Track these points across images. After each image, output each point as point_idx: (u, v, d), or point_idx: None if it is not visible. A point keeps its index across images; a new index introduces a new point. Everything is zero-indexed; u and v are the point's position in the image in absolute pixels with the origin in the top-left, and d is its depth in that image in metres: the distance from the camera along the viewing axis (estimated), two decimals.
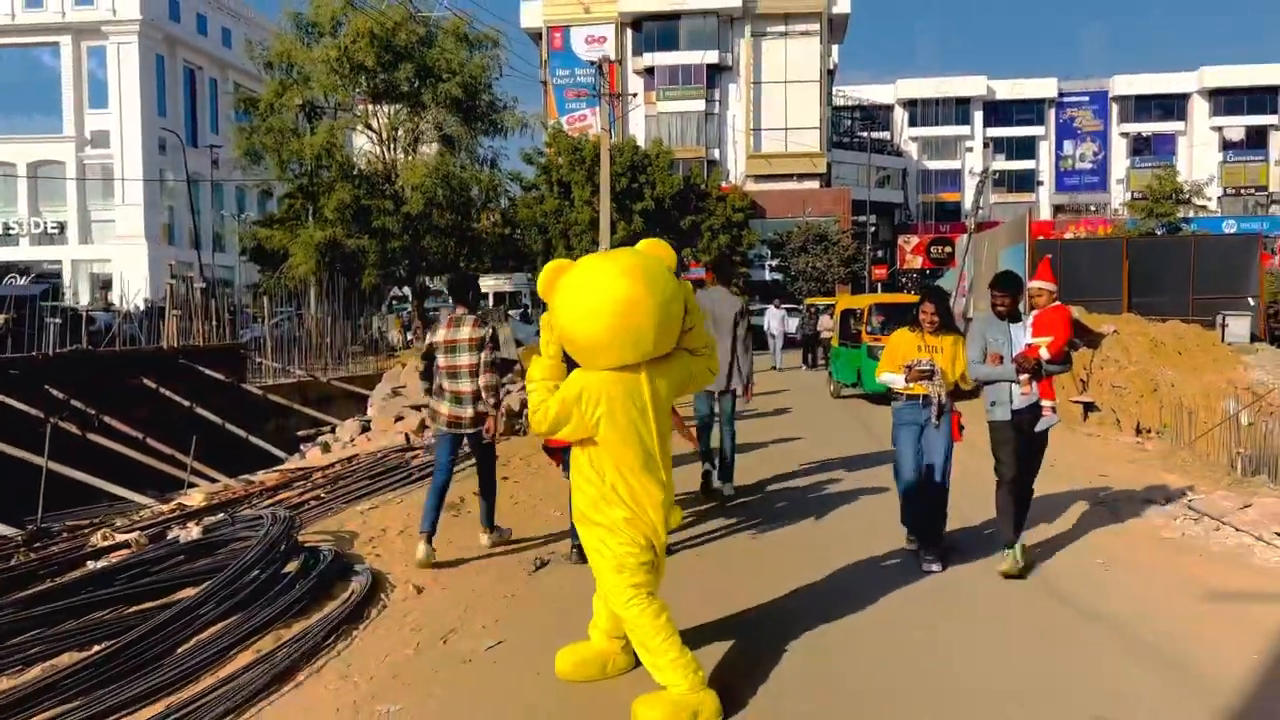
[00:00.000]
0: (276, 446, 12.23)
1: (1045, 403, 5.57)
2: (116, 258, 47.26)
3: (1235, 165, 67.93)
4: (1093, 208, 65.28)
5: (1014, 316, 5.68)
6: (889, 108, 70.37)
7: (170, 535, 6.59)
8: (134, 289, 25.46)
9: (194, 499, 8.36)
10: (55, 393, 10.33)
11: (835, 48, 56.76)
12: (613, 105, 28.12)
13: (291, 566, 5.50)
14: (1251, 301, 21.39)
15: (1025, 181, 70.46)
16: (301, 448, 13.18)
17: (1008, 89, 70.08)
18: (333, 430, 14.03)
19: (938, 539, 5.95)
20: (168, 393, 11.80)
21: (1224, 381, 12.79)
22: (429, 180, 25.07)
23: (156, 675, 4.12)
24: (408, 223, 25.75)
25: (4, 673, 4.18)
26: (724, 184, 46.53)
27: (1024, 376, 5.46)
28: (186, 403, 11.88)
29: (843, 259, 45.43)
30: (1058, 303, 5.65)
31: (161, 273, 35.42)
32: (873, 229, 53.03)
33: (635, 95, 49.02)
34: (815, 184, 51.83)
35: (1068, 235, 45.47)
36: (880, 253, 55.70)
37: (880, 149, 63.25)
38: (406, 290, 32.41)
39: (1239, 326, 19.40)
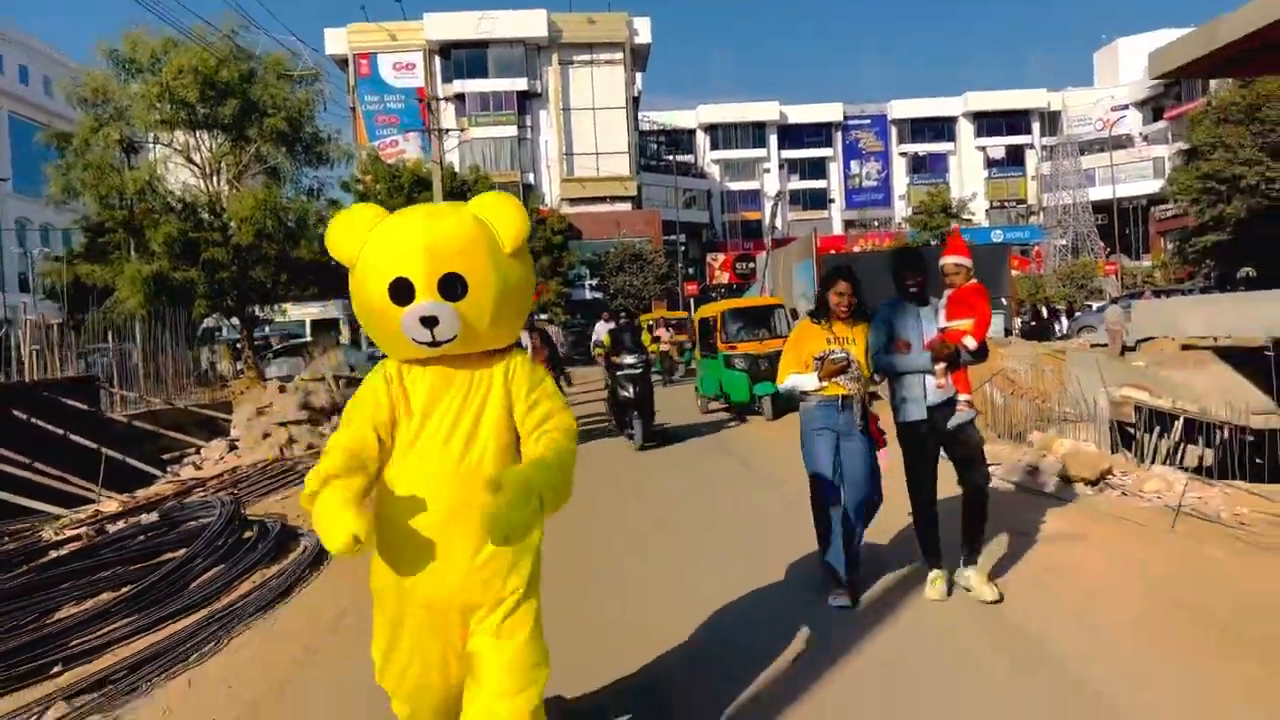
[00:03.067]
0: (147, 468, 13.06)
1: (961, 397, 4.87)
2: None
3: (999, 180, 75.54)
4: (877, 223, 71.07)
5: (922, 300, 4.97)
6: (691, 132, 74.19)
7: (114, 528, 7.76)
8: None
9: (109, 506, 9.37)
10: None
11: (639, 75, 59.80)
12: (435, 138, 29.48)
13: (248, 535, 6.89)
14: (1004, 302, 25.10)
15: (818, 199, 75.85)
16: (171, 468, 13.99)
17: (799, 113, 75.30)
18: (197, 451, 14.89)
19: (856, 568, 5.11)
20: (39, 422, 12.45)
21: (986, 370, 15.59)
22: (258, 212, 25.61)
23: (183, 600, 5.50)
24: (237, 254, 26.17)
25: (63, 605, 5.45)
26: (541, 207, 48.39)
27: (940, 366, 4.75)
28: (60, 430, 12.56)
29: (657, 276, 48.21)
30: (974, 281, 4.93)
31: None
32: (683, 248, 56.15)
33: (464, 130, 50.17)
34: (627, 206, 54.52)
35: (856, 248, 49.86)
36: (691, 270, 58.94)
37: (685, 171, 66.75)
38: (216, 320, 32.20)
39: (993, 323, 22.90)
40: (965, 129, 75.43)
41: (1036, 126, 74.59)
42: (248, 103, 25.56)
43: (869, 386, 5.16)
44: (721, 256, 62.18)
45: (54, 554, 7.19)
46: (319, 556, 6.52)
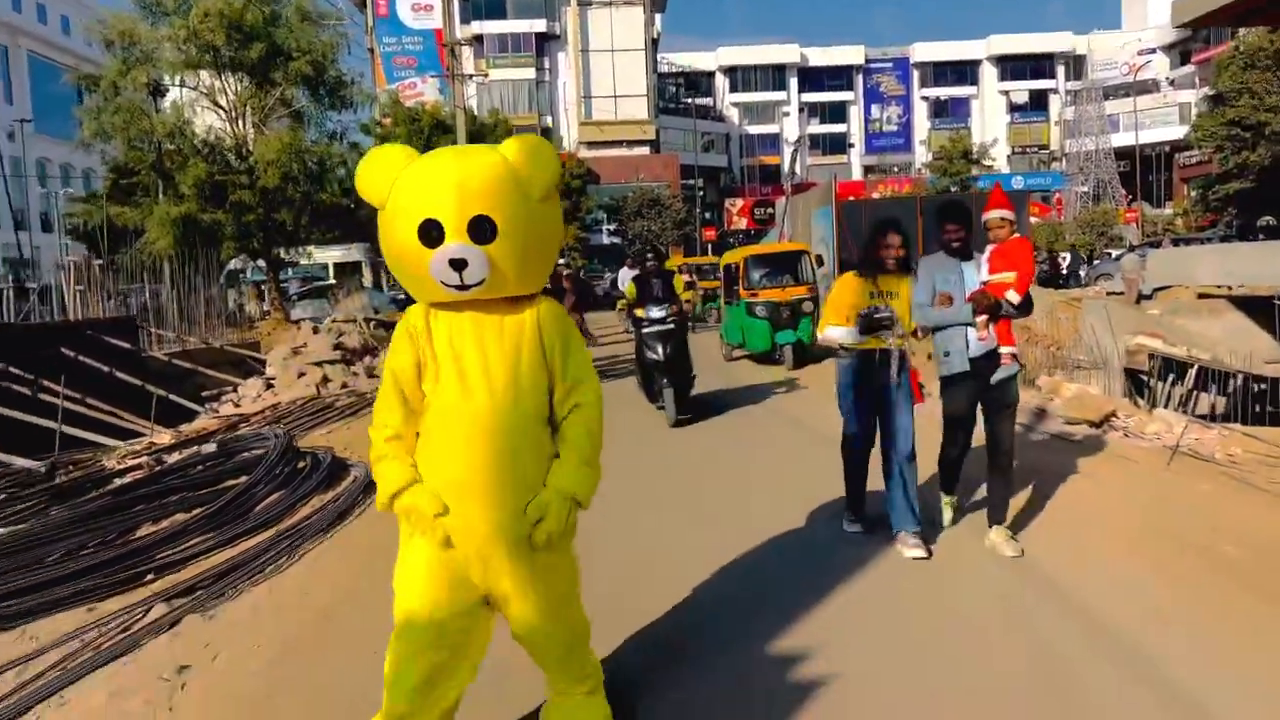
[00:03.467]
0: (189, 404, 13.63)
1: (1004, 349, 4.90)
2: None
3: (1021, 126, 74.69)
4: (897, 168, 70.58)
5: (965, 254, 5.00)
6: (710, 74, 73.54)
7: (171, 459, 8.28)
8: None
9: (162, 439, 9.91)
10: None
11: (658, 16, 59.23)
12: (456, 84, 29.62)
13: (301, 465, 7.38)
14: None
15: (838, 144, 75.23)
16: (209, 405, 14.55)
17: (820, 56, 74.47)
18: (234, 389, 15.44)
19: (918, 519, 5.06)
20: (85, 359, 13.00)
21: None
22: (284, 155, 25.93)
23: (249, 522, 6.01)
24: (263, 196, 26.56)
25: (141, 525, 5.97)
26: (560, 151, 48.41)
27: (982, 318, 4.82)
28: (105, 368, 13.11)
29: (675, 222, 48.31)
30: (1018, 234, 4.99)
31: None
32: (701, 193, 56.12)
33: (486, 76, 50.01)
34: (645, 150, 54.39)
35: (875, 194, 49.73)
36: (709, 215, 58.93)
37: (704, 115, 66.37)
38: (242, 263, 32.50)
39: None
40: (989, 73, 74.45)
41: (1061, 70, 73.49)
42: (273, 46, 25.77)
43: (909, 340, 5.15)
44: (740, 202, 62.09)
45: (118, 481, 7.73)
46: (369, 485, 7.02)
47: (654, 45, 58.08)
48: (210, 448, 8.04)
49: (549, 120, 55.67)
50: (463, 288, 2.62)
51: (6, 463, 8.69)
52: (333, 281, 34.13)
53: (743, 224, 58.91)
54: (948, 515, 5.39)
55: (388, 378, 2.79)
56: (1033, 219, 36.15)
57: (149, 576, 5.02)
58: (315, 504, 6.48)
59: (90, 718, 3.39)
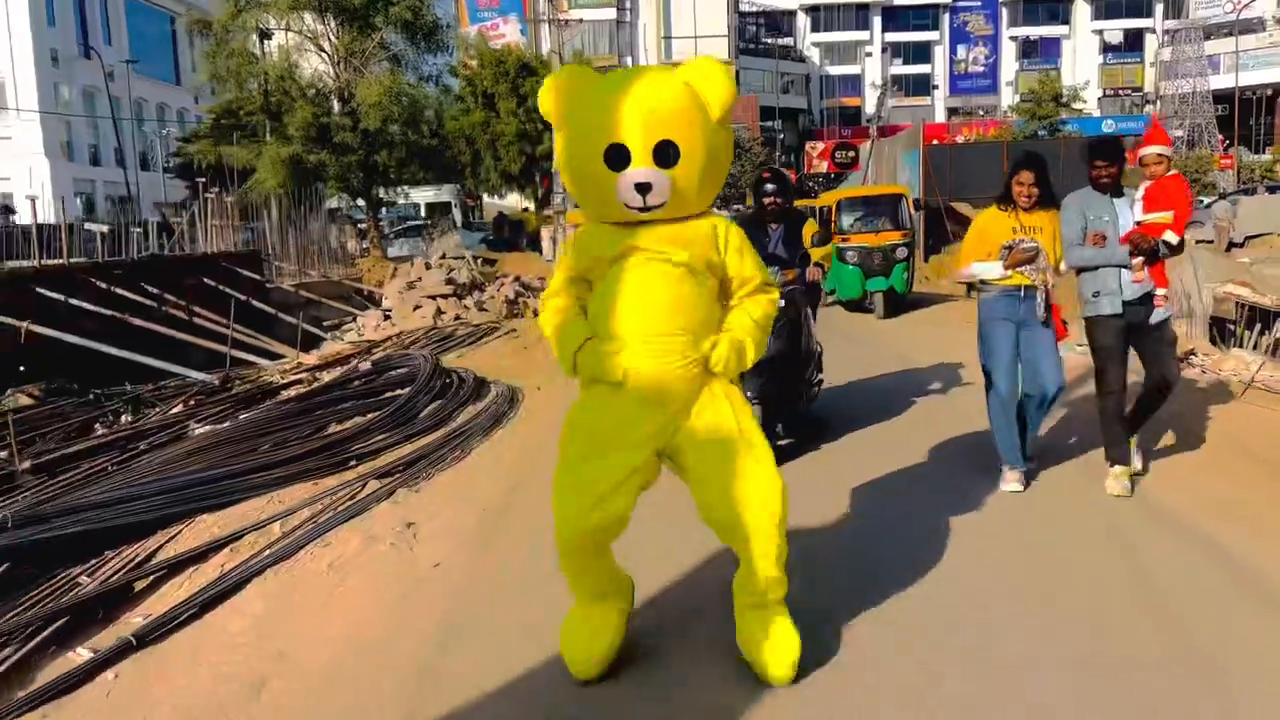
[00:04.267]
0: (317, 331, 14.83)
1: (1159, 291, 4.76)
2: (15, 176, 45.17)
3: (1113, 67, 72.18)
4: (983, 111, 69.06)
5: (1116, 190, 4.82)
6: (791, 13, 72.42)
7: (327, 377, 9.34)
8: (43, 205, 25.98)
9: (309, 359, 11.03)
10: (149, 288, 12.73)
11: None
12: (551, 28, 30.18)
13: (449, 381, 8.35)
14: None
15: (921, 85, 73.66)
16: (332, 333, 15.73)
17: None
18: (354, 319, 16.62)
19: (1028, 456, 5.13)
20: (225, 289, 14.23)
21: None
22: (384, 98, 26.91)
23: (419, 425, 6.97)
24: (364, 138, 27.65)
25: (328, 425, 6.99)
26: None
27: (1138, 260, 4.64)
28: (243, 297, 14.33)
29: (755, 164, 48.39)
30: (1174, 172, 4.77)
31: (64, 189, 35.59)
32: (780, 135, 55.83)
33: (580, 21, 50.28)
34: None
35: (959, 138, 49.02)
36: (788, 159, 58.63)
37: (785, 55, 65.66)
38: (341, 201, 33.43)
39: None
40: (1081, 11, 71.98)
41: (1159, 9, 70.71)
42: None
43: (1053, 276, 4.95)
44: (820, 145, 61.52)
45: (284, 395, 8.81)
46: (513, 398, 7.96)
47: None
48: (365, 366, 9.07)
49: (629, 62, 55.78)
50: (645, 209, 2.77)
51: (184, 375, 9.87)
52: (426, 220, 35.33)
53: (823, 167, 58.41)
54: (1118, 487, 4.83)
55: (562, 271, 3.03)
56: (1128, 166, 35.42)
57: (353, 463, 6.01)
58: (470, 412, 7.43)
59: (350, 554, 4.33)
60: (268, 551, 4.37)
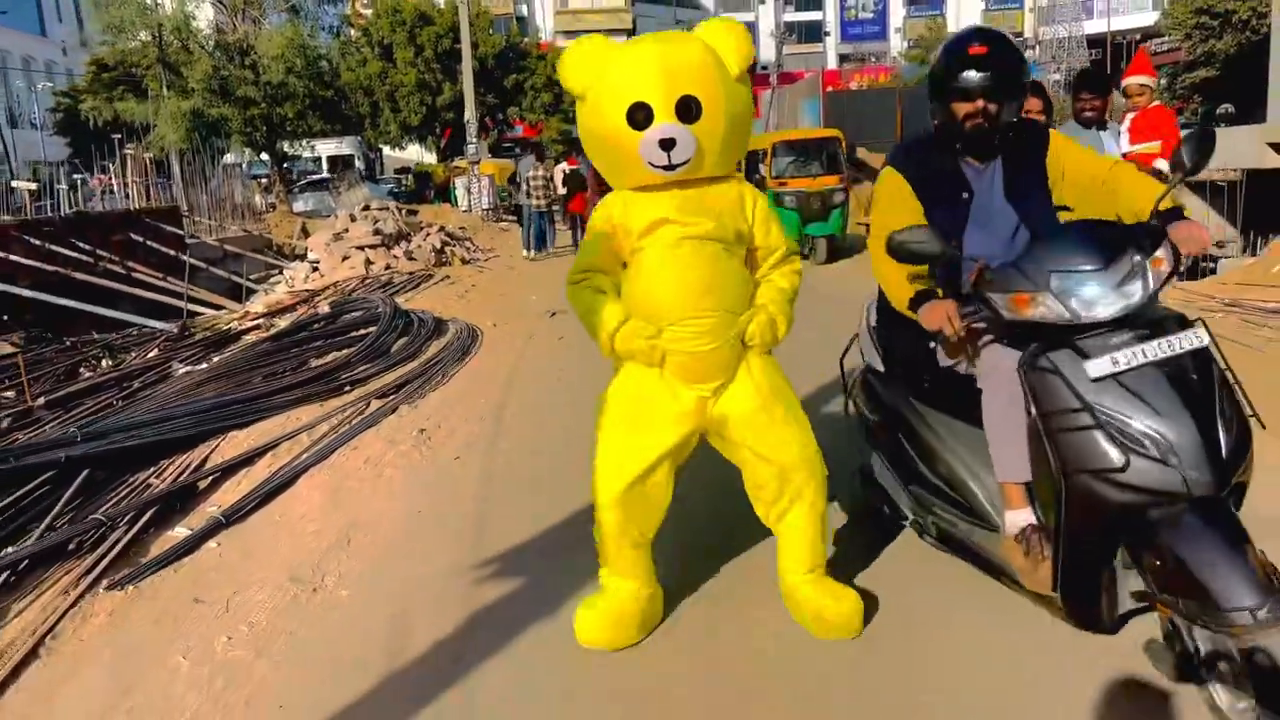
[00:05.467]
0: (249, 284, 15.12)
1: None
2: None
3: (995, 13, 74.48)
4: (874, 57, 70.75)
5: (1101, 124, 4.74)
6: None
7: (282, 323, 9.86)
8: None
9: (256, 307, 11.47)
10: (82, 244, 12.90)
11: None
12: None
13: (409, 322, 9.00)
14: None
15: (813, 32, 74.78)
16: (263, 286, 16.00)
17: None
18: (280, 272, 16.90)
19: None
20: (154, 244, 14.42)
21: None
22: (287, 50, 26.66)
23: (394, 358, 7.65)
24: (267, 91, 27.36)
25: (308, 360, 7.61)
26: (543, 41, 48.59)
27: None
28: (172, 252, 14.53)
29: None
30: (1158, 103, 4.54)
31: None
32: None
33: None
34: (623, 38, 53.97)
35: (852, 84, 50.41)
36: None
37: (680, 2, 65.93)
38: (243, 156, 32.92)
39: None
40: None
41: None
42: None
43: None
44: None
45: (248, 339, 9.33)
46: (473, 334, 8.68)
47: None
48: (325, 309, 9.63)
49: (523, 8, 55.44)
50: (670, 167, 2.76)
51: (142, 324, 10.26)
52: (330, 175, 35.05)
53: None
54: None
55: (589, 245, 3.00)
56: None
57: (348, 388, 6.69)
58: (437, 346, 8.13)
59: (376, 455, 5.07)
60: (305, 455, 5.08)
